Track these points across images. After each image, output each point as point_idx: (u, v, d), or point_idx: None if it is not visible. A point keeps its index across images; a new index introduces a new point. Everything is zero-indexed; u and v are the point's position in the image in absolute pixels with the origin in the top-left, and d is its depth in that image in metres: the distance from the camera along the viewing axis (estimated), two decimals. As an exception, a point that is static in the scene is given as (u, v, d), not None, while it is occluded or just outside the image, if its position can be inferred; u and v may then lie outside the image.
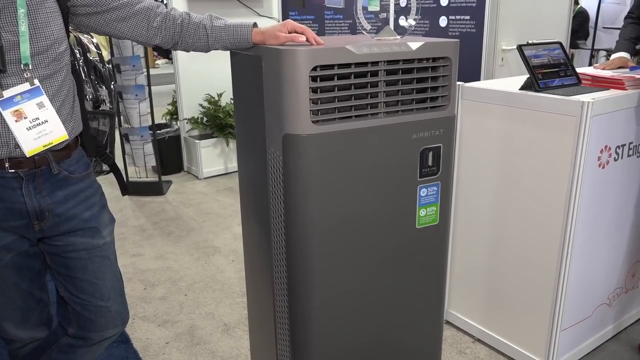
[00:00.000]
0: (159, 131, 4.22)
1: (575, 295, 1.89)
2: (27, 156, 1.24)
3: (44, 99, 1.25)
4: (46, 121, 1.26)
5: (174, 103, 4.61)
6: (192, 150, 4.37)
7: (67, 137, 1.29)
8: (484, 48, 3.69)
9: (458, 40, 1.46)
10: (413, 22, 1.53)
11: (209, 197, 3.91)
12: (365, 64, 1.34)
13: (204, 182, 4.25)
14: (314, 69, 1.28)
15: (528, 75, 1.80)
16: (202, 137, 4.35)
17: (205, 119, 4.35)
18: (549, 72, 1.81)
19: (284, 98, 1.31)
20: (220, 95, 4.37)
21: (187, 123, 4.38)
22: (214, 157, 4.34)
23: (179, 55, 4.18)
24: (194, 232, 3.30)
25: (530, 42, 1.84)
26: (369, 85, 1.37)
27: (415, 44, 1.40)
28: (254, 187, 1.58)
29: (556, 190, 1.75)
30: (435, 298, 1.66)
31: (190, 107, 4.37)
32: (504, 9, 3.64)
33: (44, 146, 1.25)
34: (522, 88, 1.80)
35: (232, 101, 4.38)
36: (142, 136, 3.86)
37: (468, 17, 3.74)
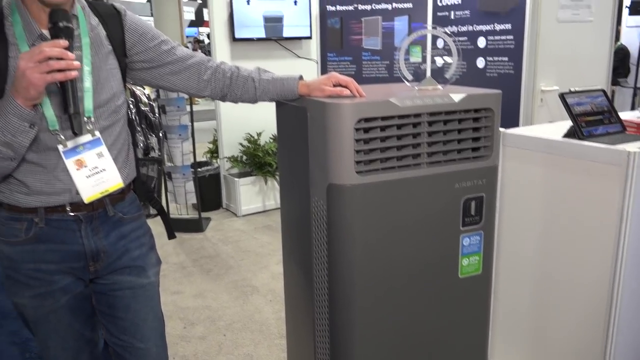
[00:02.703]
0: (199, 169, 4.34)
1: (625, 349, 1.82)
2: (86, 202, 1.31)
3: (103, 149, 1.33)
4: (104, 170, 1.33)
5: (215, 142, 4.74)
6: (231, 188, 4.45)
7: (122, 185, 1.36)
8: (523, 89, 3.68)
9: (500, 91, 1.48)
10: (450, 60, 1.56)
11: (247, 235, 3.96)
12: (408, 116, 1.37)
13: (242, 219, 4.32)
14: (359, 121, 1.32)
15: (570, 121, 1.79)
16: (241, 175, 4.44)
17: (244, 157, 4.45)
18: (593, 120, 1.80)
19: (329, 149, 1.34)
20: (259, 134, 4.47)
21: (227, 161, 4.49)
22: (253, 195, 4.42)
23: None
24: (232, 271, 3.34)
25: (572, 89, 1.84)
26: (411, 136, 1.40)
27: (457, 96, 1.42)
28: (297, 232, 1.60)
29: (603, 241, 1.71)
30: (478, 348, 1.63)
31: (230, 146, 4.49)
32: (543, 50, 3.64)
33: (100, 193, 1.32)
34: (565, 135, 1.79)
35: (271, 140, 4.49)
36: (184, 174, 3.97)
37: (506, 59, 3.75)
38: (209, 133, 4.96)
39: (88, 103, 1.29)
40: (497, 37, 3.81)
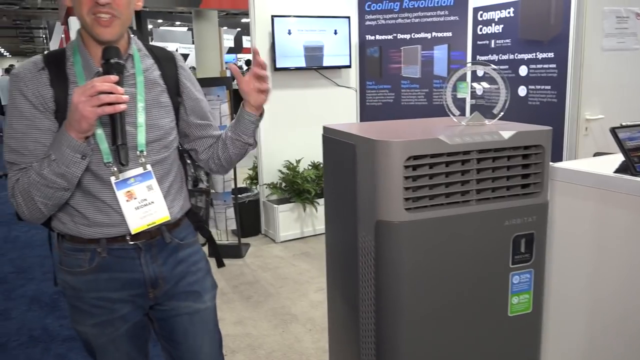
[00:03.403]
0: (239, 195, 4.40)
1: (685, 394, 1.73)
2: (132, 233, 1.35)
3: (153, 182, 1.38)
4: (152, 202, 1.37)
5: (255, 168, 4.82)
6: (270, 214, 4.50)
7: (169, 218, 1.40)
8: (567, 118, 3.62)
9: (551, 128, 1.46)
10: (487, 86, 1.56)
11: (285, 261, 3.98)
12: (457, 153, 1.37)
13: (280, 245, 4.34)
14: (408, 159, 1.33)
15: (621, 154, 1.75)
16: (280, 201, 4.48)
17: (283, 184, 4.50)
18: (646, 155, 1.75)
19: (378, 186, 1.35)
20: (298, 161, 4.52)
21: (266, 188, 4.55)
22: (291, 222, 4.45)
23: (260, 124, 4.41)
24: (271, 298, 3.35)
25: (623, 123, 1.80)
26: (460, 173, 1.39)
27: (507, 133, 1.42)
28: (343, 266, 1.61)
29: (659, 279, 1.65)
30: (528, 390, 1.59)
31: (270, 173, 4.55)
32: (587, 79, 3.58)
33: (147, 225, 1.37)
34: (617, 171, 1.75)
35: (310, 167, 4.53)
36: (225, 201, 4.04)
37: (549, 87, 3.71)
38: (248, 159, 5.05)
39: (141, 137, 1.35)
40: (539, 66, 3.77)
